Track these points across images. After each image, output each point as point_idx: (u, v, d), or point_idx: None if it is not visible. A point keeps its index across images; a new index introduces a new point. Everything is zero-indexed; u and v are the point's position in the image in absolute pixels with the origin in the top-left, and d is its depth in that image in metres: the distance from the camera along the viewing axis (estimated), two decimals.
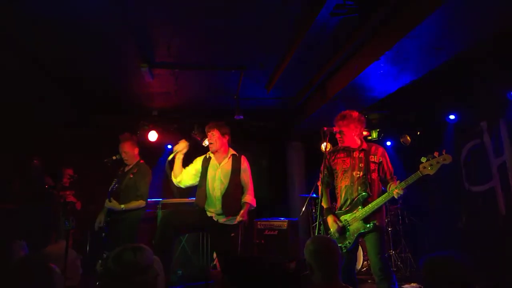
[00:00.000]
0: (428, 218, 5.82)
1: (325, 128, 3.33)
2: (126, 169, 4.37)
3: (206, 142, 3.91)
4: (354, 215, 3.12)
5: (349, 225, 3.15)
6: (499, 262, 4.30)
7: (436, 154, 2.88)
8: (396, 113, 6.21)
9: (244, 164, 3.84)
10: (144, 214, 4.32)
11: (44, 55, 4.32)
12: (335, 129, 3.31)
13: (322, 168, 3.35)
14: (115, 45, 4.15)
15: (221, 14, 3.55)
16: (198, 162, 3.90)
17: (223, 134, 3.81)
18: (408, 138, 6.36)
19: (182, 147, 3.79)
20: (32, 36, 3.86)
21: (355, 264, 3.32)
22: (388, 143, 6.86)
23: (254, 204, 3.78)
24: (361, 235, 3.10)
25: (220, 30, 3.86)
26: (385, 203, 3.13)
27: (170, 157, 3.80)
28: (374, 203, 3.06)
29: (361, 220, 3.08)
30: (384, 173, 3.22)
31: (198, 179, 3.84)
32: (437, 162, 2.85)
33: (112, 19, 3.57)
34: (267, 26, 3.78)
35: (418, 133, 6.25)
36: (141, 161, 4.38)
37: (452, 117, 5.53)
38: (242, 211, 3.64)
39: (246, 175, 3.83)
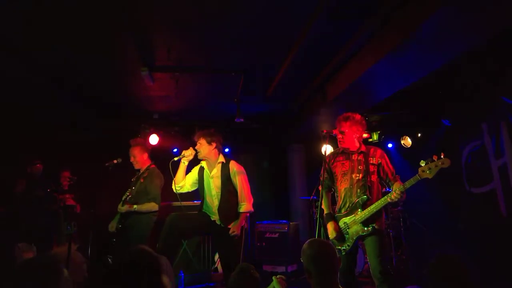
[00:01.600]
0: (429, 220, 5.81)
1: (325, 131, 3.34)
2: (138, 174, 4.39)
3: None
4: (354, 218, 3.12)
5: (348, 228, 3.15)
6: (500, 263, 4.29)
7: (435, 157, 2.87)
8: (397, 115, 6.22)
9: (233, 169, 3.80)
10: (156, 219, 4.28)
11: (45, 59, 4.33)
12: (335, 131, 3.33)
13: (322, 171, 3.36)
14: (116, 49, 4.16)
15: (220, 18, 3.56)
16: (195, 171, 3.97)
17: (209, 142, 3.83)
18: (409, 139, 6.36)
19: (189, 153, 3.83)
20: (33, 40, 3.88)
21: (355, 267, 3.31)
22: (390, 145, 6.86)
23: (250, 209, 3.79)
24: (360, 238, 3.10)
25: (220, 33, 3.88)
26: (385, 206, 3.13)
27: (176, 158, 3.85)
28: (373, 206, 3.06)
29: (360, 223, 3.08)
30: (386, 174, 3.21)
31: (197, 186, 3.95)
32: (436, 166, 2.84)
33: (113, 22, 3.59)
34: (266, 30, 3.80)
35: (419, 134, 6.25)
36: (152, 166, 4.39)
37: (452, 118, 5.52)
38: (237, 224, 3.65)
39: (237, 178, 3.77)
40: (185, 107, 6.24)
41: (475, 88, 4.88)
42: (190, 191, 3.99)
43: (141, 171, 4.35)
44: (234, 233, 3.60)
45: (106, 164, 4.29)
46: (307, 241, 2.27)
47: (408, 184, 2.92)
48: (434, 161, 2.85)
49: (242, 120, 5.28)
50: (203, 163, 3.92)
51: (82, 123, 6.51)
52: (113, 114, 6.46)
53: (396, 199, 2.96)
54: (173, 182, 3.86)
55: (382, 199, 3.05)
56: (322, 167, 3.35)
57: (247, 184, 3.83)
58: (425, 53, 3.66)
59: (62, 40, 3.88)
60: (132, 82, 5.07)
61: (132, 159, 4.35)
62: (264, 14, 3.51)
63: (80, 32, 3.72)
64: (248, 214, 3.80)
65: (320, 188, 3.44)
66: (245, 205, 3.75)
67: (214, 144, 3.85)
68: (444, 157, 2.84)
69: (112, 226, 4.17)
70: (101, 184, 4.41)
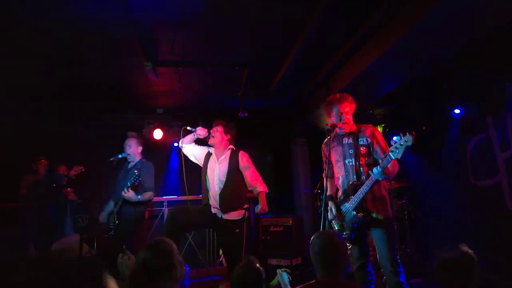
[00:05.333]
0: (433, 213, 5.80)
1: (329, 124, 3.29)
2: (129, 166, 4.52)
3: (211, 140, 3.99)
4: (348, 205, 3.06)
5: (345, 216, 3.10)
6: (505, 256, 4.28)
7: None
8: (401, 108, 6.19)
9: (243, 161, 3.84)
10: (147, 211, 4.49)
11: (47, 55, 4.34)
12: (339, 125, 3.27)
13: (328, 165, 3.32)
14: (119, 44, 4.16)
15: (224, 12, 3.55)
16: (202, 150, 4.06)
17: (225, 132, 3.91)
18: (413, 133, 6.32)
19: (201, 132, 3.94)
20: (35, 36, 3.88)
21: (367, 252, 3.15)
22: (395, 138, 6.83)
23: (266, 189, 3.85)
24: (359, 225, 2.99)
25: (223, 28, 3.87)
26: (390, 197, 3.05)
27: (189, 128, 3.98)
28: (359, 191, 2.94)
29: (353, 210, 2.99)
30: (376, 152, 3.02)
31: (195, 159, 4.07)
32: (401, 145, 2.72)
33: (116, 17, 3.58)
34: (270, 24, 3.78)
35: (424, 127, 6.21)
36: (144, 159, 4.56)
37: (457, 111, 5.48)
38: (261, 204, 3.74)
39: (249, 172, 3.84)
40: (189, 102, 6.24)
41: (480, 81, 4.84)
42: (187, 155, 4.10)
43: (133, 163, 4.50)
44: (264, 210, 3.73)
45: (111, 159, 4.38)
46: (316, 233, 2.26)
47: (382, 165, 2.81)
48: (401, 138, 2.74)
49: (246, 114, 5.28)
50: (212, 150, 3.98)
51: (86, 119, 6.53)
52: (117, 110, 6.48)
53: (380, 178, 2.80)
54: (180, 141, 4.06)
55: (366, 182, 2.91)
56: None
57: (257, 173, 3.89)
58: (429, 45, 3.63)
59: (64, 35, 3.88)
60: (135, 77, 5.07)
61: (127, 149, 4.47)
62: (268, 8, 3.50)
63: (82, 28, 3.72)
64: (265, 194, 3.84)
65: (324, 175, 3.40)
66: (261, 186, 3.83)
67: (228, 136, 3.93)
68: (409, 133, 2.70)
69: (106, 216, 4.34)
70: (106, 178, 4.45)
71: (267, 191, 3.85)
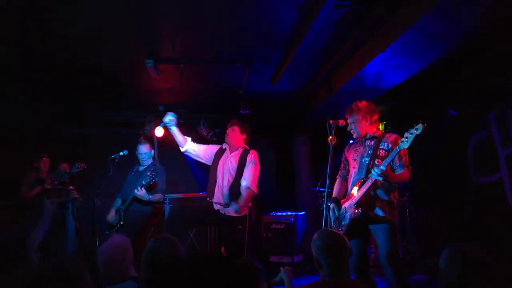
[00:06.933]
0: (435, 210, 5.80)
1: (331, 121, 3.33)
2: (141, 168, 4.60)
3: (213, 137, 4.01)
4: (350, 202, 3.08)
5: (346, 213, 3.12)
6: (507, 253, 4.28)
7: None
8: (403, 105, 6.17)
9: (251, 157, 3.88)
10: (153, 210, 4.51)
11: (48, 52, 4.33)
12: (341, 122, 3.31)
13: (330, 162, 3.32)
14: (120, 41, 4.15)
15: (224, 8, 3.54)
16: (210, 148, 4.08)
17: (242, 132, 3.99)
18: (423, 122, 6.28)
19: (169, 118, 3.98)
20: (36, 33, 3.88)
21: (365, 255, 3.17)
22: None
23: (255, 190, 3.75)
24: (355, 220, 3.01)
25: (224, 24, 3.86)
26: (397, 203, 3.08)
27: (159, 127, 4.07)
28: (363, 187, 2.99)
29: (354, 205, 3.02)
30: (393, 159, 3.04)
31: (201, 156, 4.06)
32: (411, 134, 2.80)
33: (117, 14, 3.58)
34: (271, 20, 3.77)
35: (425, 124, 6.19)
36: (156, 163, 4.66)
37: (459, 108, 5.48)
38: (238, 201, 3.62)
39: (251, 167, 3.82)
40: (191, 99, 6.23)
41: (482, 78, 4.82)
42: (191, 153, 4.08)
43: (146, 167, 4.58)
44: (236, 211, 3.60)
45: (112, 157, 4.40)
46: (317, 231, 2.24)
47: (387, 159, 2.89)
48: (411, 129, 2.81)
49: (247, 111, 5.27)
50: (226, 146, 4.03)
51: (87, 116, 6.53)
52: (119, 107, 6.47)
53: (378, 175, 2.85)
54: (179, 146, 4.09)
55: (369, 179, 2.97)
56: (330, 158, 3.32)
57: (256, 173, 3.83)
58: (431, 41, 3.61)
59: (65, 34, 3.87)
60: (137, 74, 5.06)
61: (144, 156, 4.56)
62: (269, 5, 3.48)
63: (84, 24, 3.71)
64: (252, 193, 3.75)
65: (337, 176, 3.44)
66: (251, 184, 3.73)
67: (244, 135, 4.01)
68: (420, 123, 2.78)
69: (112, 215, 4.37)
70: (107, 176, 4.45)
71: (255, 193, 3.77)
